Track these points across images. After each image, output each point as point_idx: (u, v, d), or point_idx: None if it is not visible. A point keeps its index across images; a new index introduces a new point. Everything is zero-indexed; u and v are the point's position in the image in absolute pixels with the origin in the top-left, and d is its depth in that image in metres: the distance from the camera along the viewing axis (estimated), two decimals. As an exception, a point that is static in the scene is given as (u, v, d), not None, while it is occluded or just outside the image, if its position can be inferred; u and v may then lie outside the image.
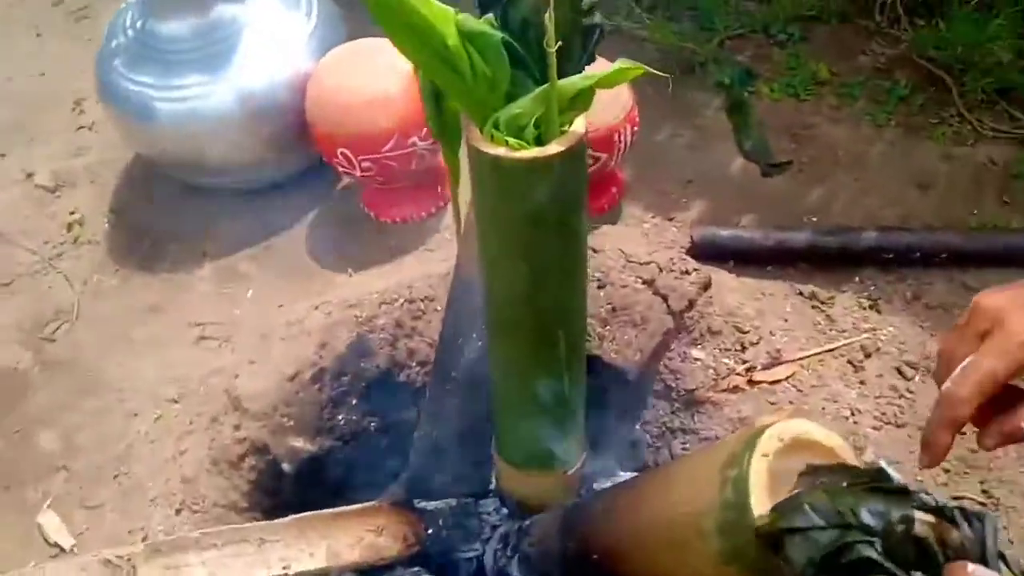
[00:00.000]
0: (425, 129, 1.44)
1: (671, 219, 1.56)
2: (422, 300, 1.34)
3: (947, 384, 0.58)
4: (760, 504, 0.58)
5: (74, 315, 1.55)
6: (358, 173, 1.49)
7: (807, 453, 0.65)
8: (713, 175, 1.65)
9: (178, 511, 1.20)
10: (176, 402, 1.37)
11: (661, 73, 0.75)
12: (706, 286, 1.29)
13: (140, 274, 1.62)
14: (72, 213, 1.75)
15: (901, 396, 1.24)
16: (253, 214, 1.68)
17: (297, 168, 1.69)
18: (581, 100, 0.69)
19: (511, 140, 0.69)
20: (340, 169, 1.51)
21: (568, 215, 0.78)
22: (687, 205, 1.60)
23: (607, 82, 0.68)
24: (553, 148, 0.68)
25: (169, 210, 1.73)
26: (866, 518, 0.48)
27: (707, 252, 1.44)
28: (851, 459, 0.64)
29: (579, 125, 0.71)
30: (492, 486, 1.28)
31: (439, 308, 1.33)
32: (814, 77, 1.81)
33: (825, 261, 1.44)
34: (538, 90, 0.68)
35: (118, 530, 1.21)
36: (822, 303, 1.38)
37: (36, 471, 1.32)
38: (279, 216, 1.67)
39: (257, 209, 1.68)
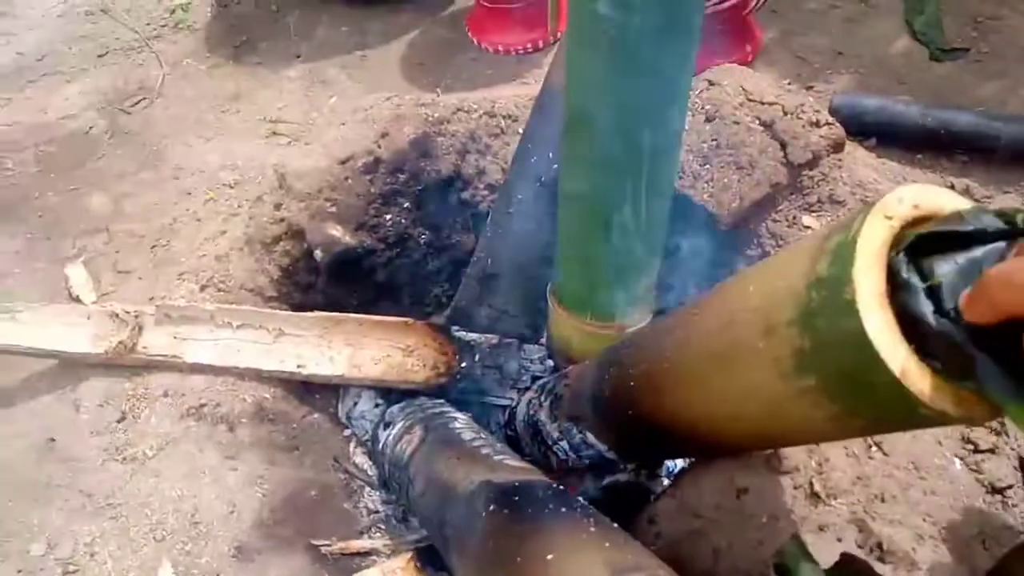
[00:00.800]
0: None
1: (810, 87, 1.34)
2: (504, 117, 1.19)
3: None
4: (868, 277, 0.42)
5: (155, 93, 1.49)
6: (463, -21, 1.34)
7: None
8: (869, 51, 1.40)
9: (203, 287, 1.12)
10: (231, 188, 1.29)
11: None
12: (838, 146, 1.08)
13: (230, 65, 1.54)
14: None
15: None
16: (355, 24, 1.57)
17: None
18: None
19: None
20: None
21: None
22: (831, 77, 1.37)
23: None
24: None
25: (272, 10, 1.64)
26: None
27: (848, 125, 1.21)
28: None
29: None
30: (544, 337, 1.14)
31: (521, 131, 1.17)
32: (1017, -34, 1.52)
33: (991, 155, 1.19)
34: None
35: (140, 297, 1.14)
36: (977, 201, 1.14)
37: (79, 228, 1.26)
38: (381, 29, 1.55)
39: (359, 20, 1.57)
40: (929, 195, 0.48)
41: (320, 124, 1.38)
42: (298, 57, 1.53)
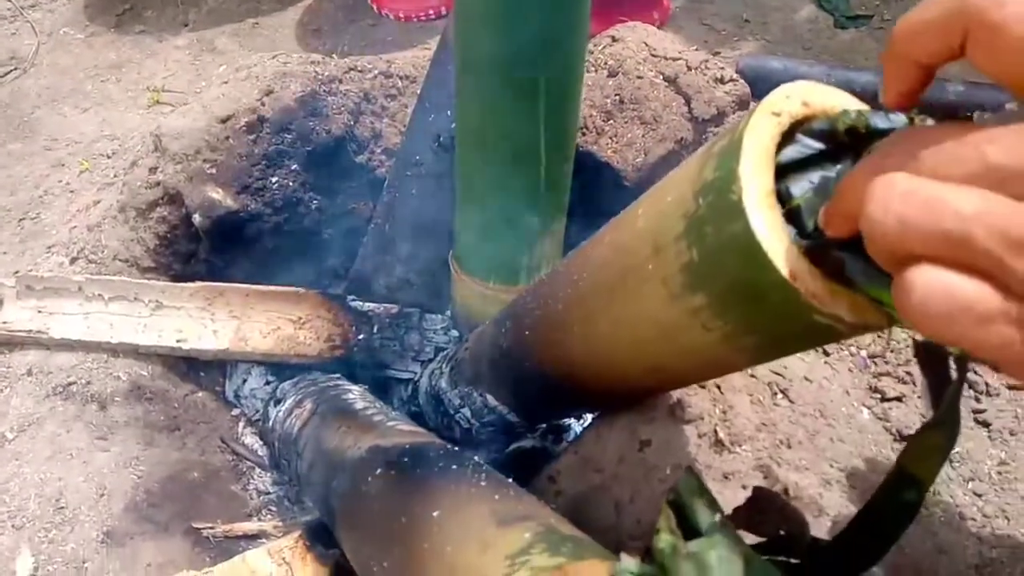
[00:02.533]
0: None
1: (716, 53, 1.32)
2: (402, 78, 1.13)
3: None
4: (755, 175, 0.39)
5: (28, 63, 1.38)
6: (360, -63, 1.28)
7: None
8: (775, 19, 1.40)
9: (73, 259, 1.03)
10: (108, 157, 1.20)
11: None
12: (743, 102, 1.06)
13: (111, 33, 1.44)
14: (59, -33, 1.58)
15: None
16: (247, -10, 1.48)
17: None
18: None
19: None
20: (341, -66, 1.30)
21: None
22: (738, 44, 1.35)
23: None
24: None
25: (159, -24, 1.54)
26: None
27: (755, 86, 1.19)
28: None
29: None
30: (448, 306, 1.09)
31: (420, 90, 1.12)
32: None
33: (891, 114, 1.18)
34: None
35: (5, 272, 1.04)
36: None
37: (-61, 202, 1.15)
38: (275, -5, 1.47)
39: (253, -14, 1.49)
40: (819, 92, 0.44)
41: (205, 92, 1.30)
42: (186, 26, 1.44)
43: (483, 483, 0.62)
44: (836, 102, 0.45)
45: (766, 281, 0.39)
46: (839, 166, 0.37)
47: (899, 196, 0.26)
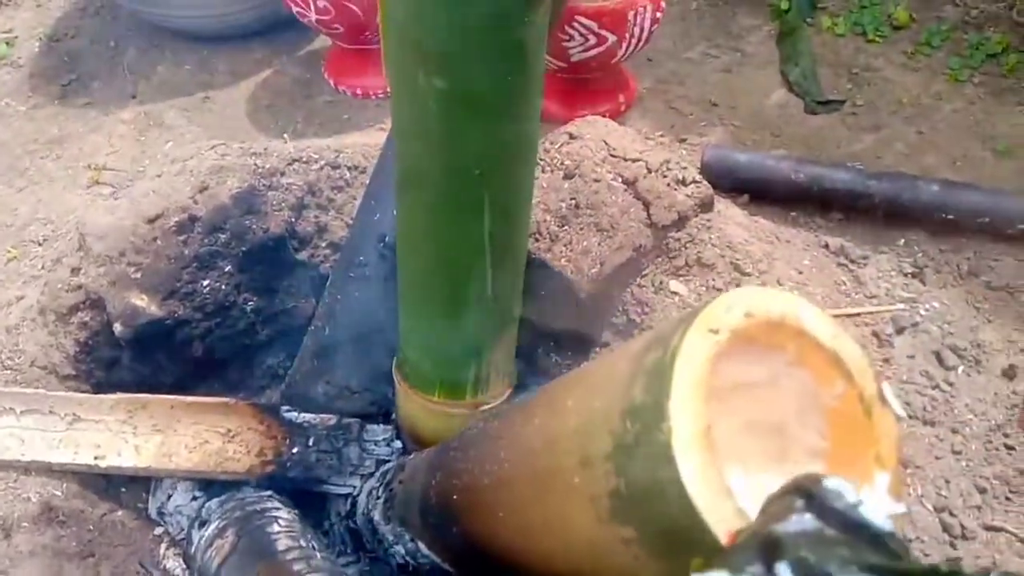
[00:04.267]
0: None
1: (683, 140, 1.27)
2: (350, 168, 1.08)
3: None
4: (687, 411, 0.34)
5: (-36, 136, 1.31)
6: (313, 16, 1.22)
7: (783, 354, 0.38)
8: (745, 103, 1.35)
9: (-11, 364, 0.95)
10: (39, 244, 1.13)
11: None
12: (706, 204, 1.00)
13: (55, 105, 1.38)
14: (6, 32, 1.51)
15: (936, 387, 0.94)
16: (200, 63, 1.43)
17: (264, 18, 1.42)
18: None
19: None
20: (296, 10, 1.24)
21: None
22: (706, 130, 1.30)
23: None
24: None
25: (111, 45, 1.49)
26: None
27: (720, 179, 1.15)
28: (862, 373, 0.38)
29: None
30: (394, 415, 1.02)
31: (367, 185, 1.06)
32: (889, 19, 1.50)
33: (866, 213, 1.13)
34: None
35: (-90, 375, 0.96)
36: (852, 262, 1.08)
37: None
38: (228, 68, 1.42)
39: (206, 57, 1.44)
40: (763, 300, 0.38)
41: (150, 172, 1.24)
42: (134, 98, 1.38)
43: None
44: (783, 310, 0.39)
45: (700, 538, 0.33)
46: None
47: None
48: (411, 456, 0.90)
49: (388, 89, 1.31)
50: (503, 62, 0.60)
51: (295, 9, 1.24)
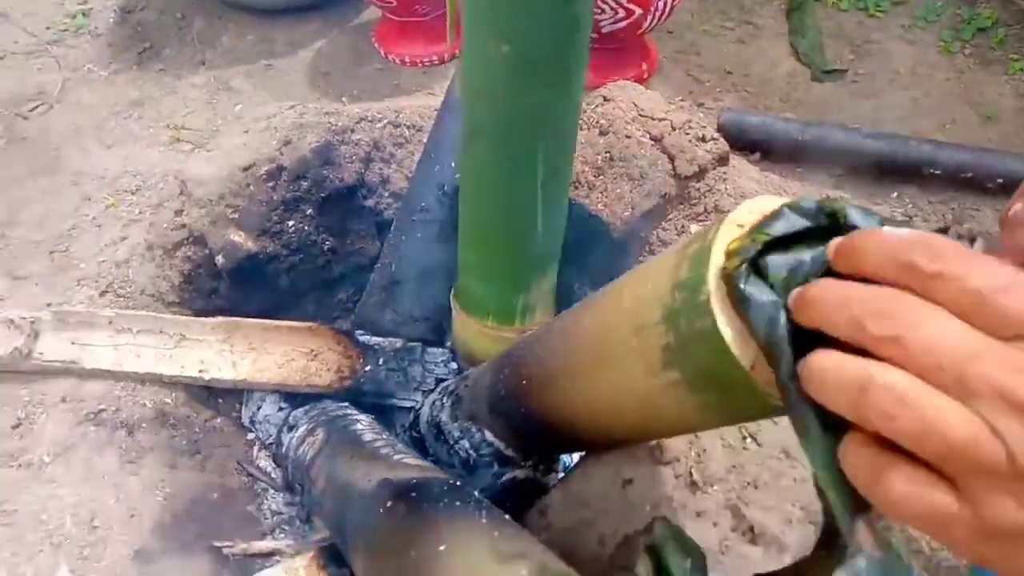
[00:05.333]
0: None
1: (700, 104, 1.42)
2: (409, 127, 1.22)
3: None
4: (717, 278, 0.46)
5: (54, 98, 1.46)
6: (374, -9, 1.37)
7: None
8: (756, 72, 1.49)
9: (103, 293, 1.11)
10: (132, 193, 1.27)
11: None
12: (723, 159, 1.15)
13: (132, 71, 1.52)
14: (82, 3, 1.66)
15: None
16: (261, 33, 1.57)
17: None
18: None
19: None
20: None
21: None
22: (721, 95, 1.45)
23: None
24: None
25: (178, 17, 1.63)
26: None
27: (734, 140, 1.30)
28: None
29: None
30: (448, 341, 1.18)
31: (425, 140, 1.21)
32: (890, -5, 1.64)
33: (863, 170, 1.28)
34: None
35: (38, 302, 1.12)
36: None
37: (-28, 235, 1.23)
38: (287, 39, 1.56)
39: (265, 28, 1.58)
40: (772, 203, 0.53)
41: (224, 131, 1.39)
42: (203, 64, 1.52)
43: (484, 520, 0.70)
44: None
45: (730, 369, 0.47)
46: (813, 253, 0.42)
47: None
48: (469, 370, 1.05)
49: (433, 58, 1.45)
50: (561, 33, 0.74)
51: (356, -16, 1.38)
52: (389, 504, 0.77)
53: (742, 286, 0.43)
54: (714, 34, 1.57)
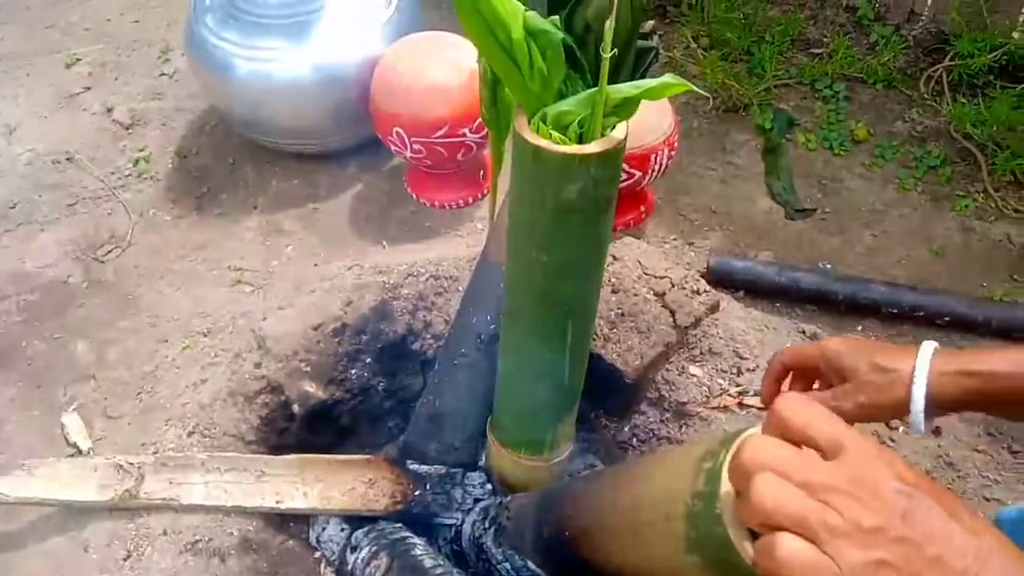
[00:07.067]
0: (476, 122, 1.54)
1: (691, 243, 1.64)
2: (447, 278, 1.43)
3: None
4: (728, 500, 0.61)
5: (126, 242, 1.66)
6: (408, 154, 1.59)
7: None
8: (738, 210, 1.72)
9: (190, 433, 1.30)
10: (205, 335, 1.47)
11: (704, 92, 0.82)
12: (714, 308, 1.37)
13: (193, 215, 1.72)
14: (141, 150, 1.87)
15: (883, 442, 1.31)
16: (305, 178, 1.78)
17: (353, 142, 1.79)
18: (626, 108, 0.75)
19: (555, 134, 0.75)
20: (393, 148, 1.61)
21: (594, 216, 0.84)
22: (708, 234, 1.68)
23: (654, 94, 0.73)
24: (592, 147, 0.74)
25: (229, 163, 1.84)
26: None
27: (721, 279, 1.52)
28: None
29: (620, 131, 0.76)
30: (481, 463, 1.37)
31: (460, 288, 1.42)
32: (851, 135, 1.88)
33: (832, 306, 1.51)
34: (587, 92, 0.74)
35: (133, 442, 1.31)
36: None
37: (68, 376, 1.42)
38: (329, 183, 1.77)
39: (310, 173, 1.79)
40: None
41: (280, 272, 1.59)
42: (255, 208, 1.73)
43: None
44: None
45: (736, 560, 0.66)
46: None
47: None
48: (509, 498, 1.25)
49: (460, 202, 1.64)
50: (589, 247, 0.94)
51: (393, 148, 1.61)
52: (460, 630, 0.97)
53: None
54: (700, 175, 1.80)
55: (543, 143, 0.75)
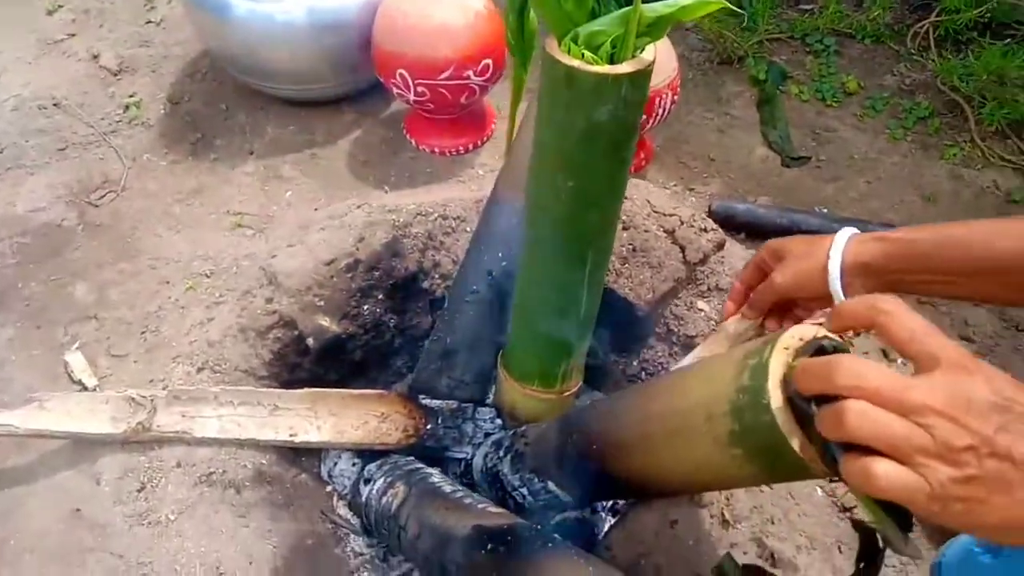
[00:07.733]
0: (481, 64, 1.53)
1: (691, 189, 1.66)
2: (455, 219, 1.43)
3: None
4: (777, 389, 0.64)
5: (120, 186, 1.63)
6: (411, 97, 1.58)
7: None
8: (735, 158, 1.75)
9: (199, 369, 1.28)
10: (208, 276, 1.45)
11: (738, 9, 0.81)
12: (720, 245, 1.39)
13: (188, 160, 1.70)
14: (131, 96, 1.83)
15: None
16: (301, 124, 1.76)
17: (352, 87, 1.77)
18: (658, 27, 0.75)
19: (587, 54, 0.75)
20: (395, 90, 1.60)
21: (623, 139, 0.85)
22: (707, 180, 1.70)
23: (688, 12, 0.73)
24: (624, 67, 0.74)
25: (223, 108, 1.81)
26: None
27: (722, 222, 1.54)
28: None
29: (649, 53, 0.76)
30: (489, 399, 1.38)
31: (468, 229, 1.42)
32: (843, 87, 1.92)
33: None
34: (621, 11, 0.74)
35: (139, 379, 1.29)
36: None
37: (68, 316, 1.40)
38: (326, 128, 1.75)
39: (305, 120, 1.77)
40: (809, 332, 0.75)
41: (281, 216, 1.58)
42: (251, 154, 1.71)
43: (574, 556, 0.92)
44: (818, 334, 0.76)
45: (783, 450, 0.68)
46: None
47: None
48: (526, 427, 1.26)
49: (460, 149, 1.64)
50: (614, 172, 0.95)
51: (395, 91, 1.59)
52: (489, 547, 0.98)
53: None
54: (698, 124, 1.82)
55: (576, 63, 0.74)
